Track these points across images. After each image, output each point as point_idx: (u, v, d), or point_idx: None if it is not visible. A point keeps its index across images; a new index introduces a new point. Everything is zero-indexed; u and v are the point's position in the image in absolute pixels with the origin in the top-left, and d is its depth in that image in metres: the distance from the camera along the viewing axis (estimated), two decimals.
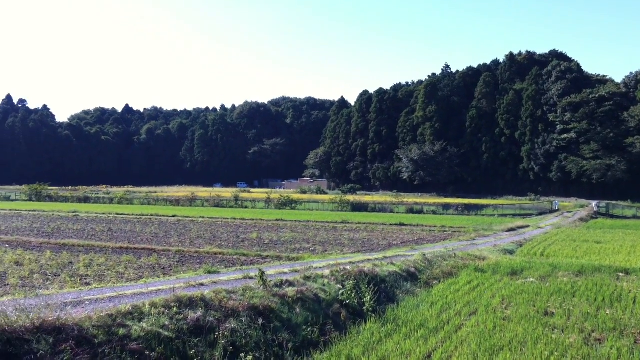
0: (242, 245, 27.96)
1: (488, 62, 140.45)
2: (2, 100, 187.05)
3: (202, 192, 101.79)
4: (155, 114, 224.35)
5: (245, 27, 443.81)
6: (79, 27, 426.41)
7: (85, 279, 17.25)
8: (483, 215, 60.68)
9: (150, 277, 17.47)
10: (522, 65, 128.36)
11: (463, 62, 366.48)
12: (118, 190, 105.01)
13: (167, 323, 10.04)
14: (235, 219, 47.09)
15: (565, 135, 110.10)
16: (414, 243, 30.81)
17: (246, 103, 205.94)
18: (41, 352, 8.35)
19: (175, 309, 10.68)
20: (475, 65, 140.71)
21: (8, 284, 15.90)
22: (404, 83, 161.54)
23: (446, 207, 68.16)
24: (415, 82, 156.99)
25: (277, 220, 46.15)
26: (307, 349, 11.06)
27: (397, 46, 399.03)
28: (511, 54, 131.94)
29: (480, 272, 20.25)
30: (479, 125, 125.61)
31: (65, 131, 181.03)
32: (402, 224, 43.75)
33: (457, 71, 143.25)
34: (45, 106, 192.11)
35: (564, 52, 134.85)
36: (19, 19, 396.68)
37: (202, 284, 13.69)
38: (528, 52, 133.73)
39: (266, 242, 29.68)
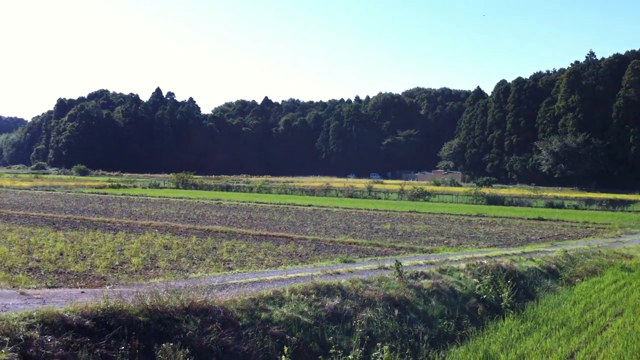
0: (375, 236, 28.14)
1: (637, 49, 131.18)
2: (152, 93, 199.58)
3: (336, 182, 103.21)
4: (293, 105, 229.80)
5: (381, 18, 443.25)
6: (223, 25, 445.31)
7: (228, 263, 18.08)
8: (630, 211, 56.97)
9: (288, 264, 18.06)
10: None
11: (609, 49, 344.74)
12: (257, 180, 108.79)
13: (306, 309, 10.38)
14: (368, 209, 47.39)
15: None
16: (554, 239, 29.61)
17: (380, 94, 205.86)
18: (190, 331, 8.89)
19: (313, 295, 11.02)
20: (622, 52, 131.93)
21: (159, 267, 17.01)
22: (544, 72, 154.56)
23: (589, 201, 64.67)
24: (557, 70, 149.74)
25: (410, 211, 45.96)
26: (443, 342, 11.04)
27: (536, 33, 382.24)
28: None
29: (627, 271, 19.16)
30: (627, 116, 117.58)
31: (209, 122, 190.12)
32: (541, 219, 42.10)
33: (603, 58, 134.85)
34: (191, 99, 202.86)
35: None
36: (168, 20, 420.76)
37: (338, 273, 14.00)
38: None
39: (400, 234, 29.67)
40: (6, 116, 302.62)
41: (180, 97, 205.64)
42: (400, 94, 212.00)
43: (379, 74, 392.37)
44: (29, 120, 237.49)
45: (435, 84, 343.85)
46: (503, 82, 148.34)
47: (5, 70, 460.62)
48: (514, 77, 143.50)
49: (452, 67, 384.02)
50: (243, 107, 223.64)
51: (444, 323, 11.82)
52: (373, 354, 9.04)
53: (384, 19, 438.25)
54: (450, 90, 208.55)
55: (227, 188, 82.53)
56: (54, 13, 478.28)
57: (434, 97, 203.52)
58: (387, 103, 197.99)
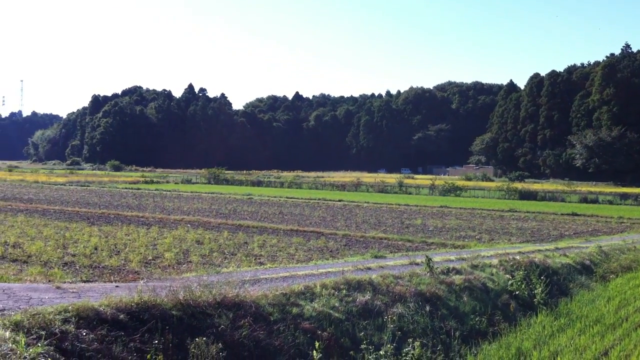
0: (406, 231, 28.04)
1: None
2: (185, 89, 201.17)
3: (366, 177, 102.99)
4: (323, 100, 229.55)
5: (412, 11, 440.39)
6: (255, 21, 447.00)
7: (259, 258, 18.19)
8: None
9: (319, 259, 18.10)
10: None
11: None
12: (288, 175, 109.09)
13: (337, 304, 10.39)
14: (399, 204, 47.23)
15: None
16: (588, 234, 29.19)
17: (411, 89, 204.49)
18: (222, 326, 8.96)
19: (344, 291, 11.02)
20: None
21: (191, 261, 17.18)
22: (578, 64, 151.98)
23: (624, 196, 63.48)
24: (592, 63, 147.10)
25: (441, 207, 45.68)
26: (474, 339, 10.96)
27: (570, 26, 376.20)
28: None
29: None
30: None
31: (241, 118, 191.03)
32: (574, 214, 41.49)
33: (639, 51, 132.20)
34: (222, 94, 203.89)
35: None
36: (201, 16, 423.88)
37: (369, 268, 13.97)
38: None
39: (431, 229, 29.52)
40: (42, 113, 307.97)
41: (212, 93, 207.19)
42: (431, 88, 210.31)
43: (410, 68, 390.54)
44: (64, 116, 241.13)
45: (467, 78, 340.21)
46: (536, 75, 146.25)
47: (42, 67, 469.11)
48: (548, 70, 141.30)
49: (484, 61, 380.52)
50: (274, 103, 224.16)
51: (476, 319, 11.74)
52: (404, 350, 9.02)
53: (415, 13, 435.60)
54: (482, 84, 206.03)
55: (258, 183, 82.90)
56: (89, 11, 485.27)
57: (466, 91, 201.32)
58: (418, 97, 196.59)
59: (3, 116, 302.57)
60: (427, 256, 13.66)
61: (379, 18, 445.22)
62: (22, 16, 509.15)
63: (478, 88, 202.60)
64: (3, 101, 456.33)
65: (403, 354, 8.94)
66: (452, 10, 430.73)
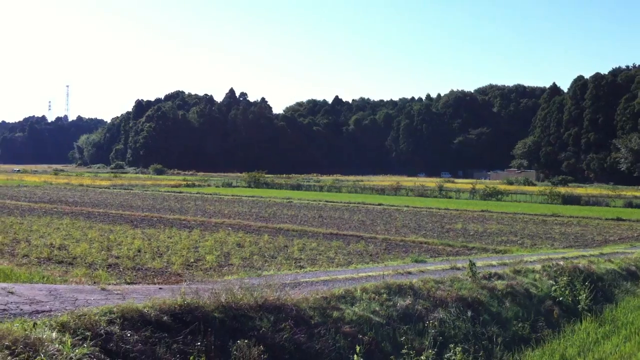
0: (446, 236, 27.80)
1: None
2: (226, 94, 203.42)
3: (406, 181, 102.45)
4: (363, 104, 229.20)
5: (453, 14, 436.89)
6: (295, 25, 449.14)
7: (299, 262, 18.24)
8: None
9: (359, 263, 18.06)
10: None
11: None
12: (327, 179, 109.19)
13: (377, 309, 10.36)
14: (439, 209, 46.85)
15: None
16: (634, 239, 28.53)
17: (451, 92, 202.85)
18: (263, 329, 9.00)
19: (385, 295, 10.98)
20: None
21: (232, 264, 17.32)
22: (623, 67, 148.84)
23: None
24: (637, 65, 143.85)
25: (482, 211, 45.16)
26: (517, 345, 10.81)
27: (615, 28, 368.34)
28: None
29: None
30: None
31: (281, 122, 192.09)
32: (619, 219, 40.55)
33: None
34: (263, 99, 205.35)
35: None
36: (242, 22, 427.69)
37: (409, 272, 13.91)
38: None
39: (471, 233, 29.22)
40: (87, 117, 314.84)
41: (252, 97, 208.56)
42: (472, 91, 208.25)
43: (451, 71, 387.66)
44: (109, 121, 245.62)
45: (509, 81, 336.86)
46: (580, 78, 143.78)
47: (87, 73, 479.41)
48: (592, 73, 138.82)
49: (526, 64, 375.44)
50: (314, 107, 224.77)
51: (519, 325, 11.58)
52: (446, 356, 8.95)
53: (455, 16, 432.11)
54: (524, 87, 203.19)
55: (298, 187, 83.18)
56: (133, 18, 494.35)
57: (507, 94, 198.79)
58: (459, 101, 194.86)
59: (49, 120, 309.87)
60: (470, 261, 13.53)
61: (419, 22, 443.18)
62: (68, 23, 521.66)
63: (520, 91, 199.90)
64: (49, 106, 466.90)
65: None
66: (493, 13, 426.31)
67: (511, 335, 11.18)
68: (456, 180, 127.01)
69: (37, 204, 40.78)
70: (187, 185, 79.69)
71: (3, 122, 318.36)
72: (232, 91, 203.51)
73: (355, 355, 8.23)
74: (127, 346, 7.65)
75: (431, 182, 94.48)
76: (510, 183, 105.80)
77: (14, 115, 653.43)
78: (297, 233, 26.94)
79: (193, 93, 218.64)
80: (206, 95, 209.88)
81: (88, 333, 7.42)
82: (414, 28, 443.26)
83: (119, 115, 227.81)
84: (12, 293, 9.34)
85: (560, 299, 13.50)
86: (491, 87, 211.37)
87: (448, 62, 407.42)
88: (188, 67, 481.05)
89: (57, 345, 6.61)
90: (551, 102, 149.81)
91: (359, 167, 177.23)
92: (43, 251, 18.32)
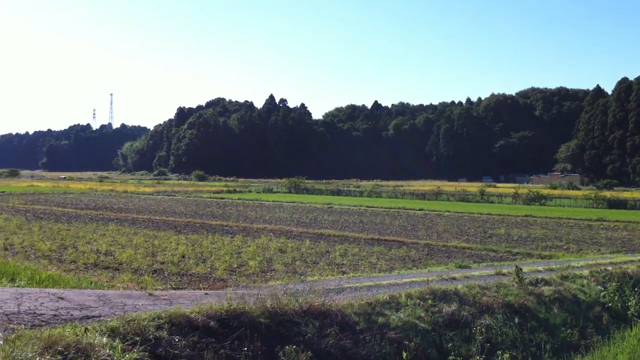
0: (489, 241, 27.46)
1: None
2: (266, 100, 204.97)
3: (447, 186, 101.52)
4: (402, 109, 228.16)
5: (492, 17, 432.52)
6: (333, 32, 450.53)
7: (342, 267, 18.22)
8: None
9: (401, 268, 17.98)
10: None
11: None
12: (367, 184, 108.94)
13: (422, 315, 10.29)
14: (481, 213, 46.32)
15: None
16: None
17: (492, 95, 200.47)
18: (309, 334, 9.01)
19: (430, 301, 10.90)
20: None
21: (275, 270, 17.40)
22: None
23: None
24: None
25: (525, 216, 44.46)
26: (566, 352, 10.62)
27: None
28: None
29: None
30: None
31: (320, 128, 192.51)
32: None
33: None
34: (302, 105, 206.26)
35: None
36: (281, 29, 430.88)
37: (454, 278, 13.79)
38: None
39: (515, 239, 28.80)
40: (130, 125, 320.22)
41: (292, 104, 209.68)
42: (513, 94, 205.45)
43: (491, 74, 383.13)
44: (151, 128, 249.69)
45: (551, 84, 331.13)
46: (625, 80, 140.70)
47: (130, 81, 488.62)
48: (637, 75, 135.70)
49: (569, 66, 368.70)
50: (353, 112, 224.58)
51: (567, 332, 11.37)
52: None
53: (495, 18, 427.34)
54: (567, 90, 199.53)
55: (338, 192, 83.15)
56: (174, 27, 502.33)
57: (550, 97, 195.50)
58: (500, 104, 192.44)
59: (94, 129, 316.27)
60: (516, 266, 13.35)
61: (458, 25, 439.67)
62: (111, 33, 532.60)
63: (562, 94, 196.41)
64: (94, 114, 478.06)
65: None
66: (534, 15, 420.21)
67: (560, 342, 10.99)
68: (498, 184, 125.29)
69: (83, 210, 41.64)
70: (229, 192, 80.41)
71: (49, 130, 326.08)
72: (271, 97, 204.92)
73: None
74: (176, 351, 7.75)
75: (472, 187, 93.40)
76: (554, 187, 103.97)
77: (60, 123, 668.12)
78: (339, 238, 26.92)
79: (234, 100, 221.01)
80: (246, 101, 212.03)
81: (137, 338, 7.54)
82: (453, 31, 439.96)
83: (161, 122, 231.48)
84: (62, 298, 9.55)
85: (609, 304, 13.22)
86: (533, 90, 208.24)
87: (488, 66, 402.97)
88: (228, 74, 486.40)
89: (107, 351, 6.73)
90: (595, 104, 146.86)
91: (398, 172, 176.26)
92: (90, 257, 18.68)
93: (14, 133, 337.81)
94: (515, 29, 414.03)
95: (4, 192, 67.70)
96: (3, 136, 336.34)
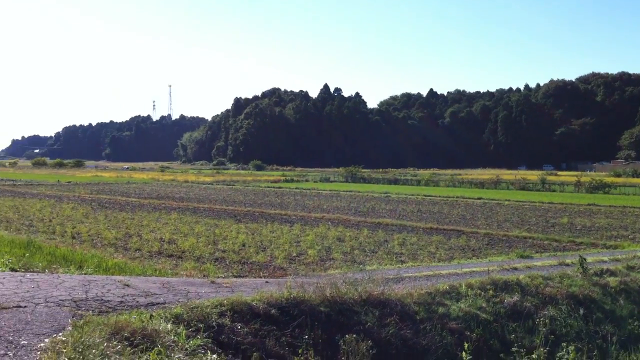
0: (552, 230, 26.85)
1: None
2: (320, 89, 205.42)
3: (506, 174, 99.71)
4: (458, 96, 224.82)
5: (546, 1, 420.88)
6: (387, 19, 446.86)
7: (400, 256, 18.13)
8: None
9: (461, 258, 17.78)
10: None
11: None
12: (424, 173, 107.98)
13: (484, 305, 10.17)
14: (542, 202, 45.30)
15: None
16: None
17: (552, 81, 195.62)
18: (369, 323, 9.03)
19: (491, 291, 10.77)
20: None
21: (333, 258, 17.44)
22: None
23: None
24: None
25: (588, 204, 43.27)
26: (633, 344, 10.34)
27: None
28: None
29: None
30: None
31: (375, 116, 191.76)
32: None
33: None
34: (357, 94, 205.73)
35: None
36: (335, 19, 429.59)
37: (515, 268, 13.58)
38: None
39: (578, 228, 28.07)
40: (189, 116, 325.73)
41: (347, 93, 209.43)
42: (573, 80, 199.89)
43: (550, 60, 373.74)
44: (210, 119, 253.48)
45: (613, 68, 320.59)
46: None
47: (188, 73, 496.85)
48: None
49: (631, 50, 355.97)
50: (408, 100, 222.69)
51: (634, 324, 11.05)
52: (558, 354, 8.66)
53: (554, 1, 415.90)
54: (629, 75, 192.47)
55: (395, 181, 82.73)
56: (230, 20, 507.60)
57: (612, 82, 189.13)
58: (560, 90, 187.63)
59: (154, 120, 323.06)
60: (580, 256, 13.05)
61: (514, 10, 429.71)
62: (170, 27, 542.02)
63: (625, 79, 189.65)
64: (154, 106, 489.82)
65: (557, 359, 8.58)
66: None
67: (627, 334, 10.70)
68: (559, 172, 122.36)
69: (146, 199, 42.62)
70: (286, 181, 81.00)
71: (112, 122, 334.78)
72: (326, 87, 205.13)
73: (463, 352, 8.10)
74: (238, 338, 7.89)
75: (532, 175, 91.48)
76: (618, 175, 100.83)
77: (121, 115, 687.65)
78: (397, 227, 26.77)
79: (289, 90, 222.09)
80: (301, 91, 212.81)
81: (201, 325, 7.71)
82: (510, 16, 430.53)
83: (218, 113, 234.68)
84: (127, 285, 9.83)
85: None
86: (594, 76, 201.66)
87: (546, 51, 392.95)
88: (284, 64, 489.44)
89: (172, 337, 6.88)
90: None
91: (455, 160, 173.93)
92: (154, 245, 19.13)
93: (77, 125, 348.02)
94: (575, 13, 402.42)
95: (69, 182, 69.97)
96: (68, 128, 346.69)
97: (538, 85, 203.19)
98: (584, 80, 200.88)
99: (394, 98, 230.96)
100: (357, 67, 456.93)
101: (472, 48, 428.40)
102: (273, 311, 8.76)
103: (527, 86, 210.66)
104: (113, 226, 24.81)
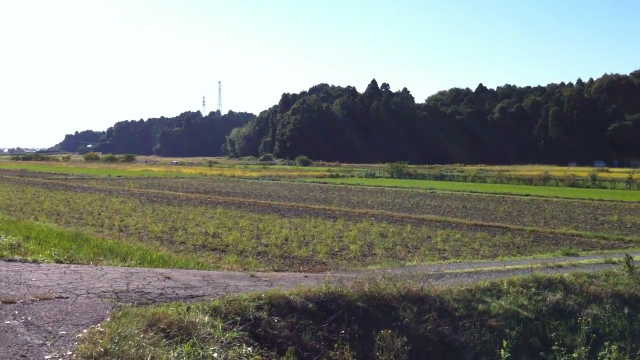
0: (600, 228, 26.24)
1: None
2: (368, 85, 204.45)
3: (555, 171, 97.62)
4: (508, 92, 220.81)
5: None
6: (433, 16, 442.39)
7: (443, 253, 17.99)
8: None
9: (505, 255, 17.53)
10: None
11: None
12: (471, 169, 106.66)
13: (525, 303, 10.03)
14: (592, 199, 44.27)
15: None
16: None
17: (605, 76, 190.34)
18: (406, 319, 8.99)
19: (533, 289, 10.60)
20: None
21: (375, 254, 17.42)
22: None
23: None
24: None
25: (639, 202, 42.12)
26: None
27: None
28: None
29: None
30: None
31: (423, 112, 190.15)
32: None
33: None
34: (405, 89, 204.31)
35: None
36: (381, 15, 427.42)
37: (560, 266, 13.34)
38: None
39: (628, 226, 27.36)
40: (237, 111, 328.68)
41: (394, 88, 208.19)
42: (628, 74, 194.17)
43: (604, 54, 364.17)
44: (257, 114, 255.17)
45: None
46: None
47: (237, 69, 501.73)
48: None
49: None
50: (456, 95, 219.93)
51: None
52: (600, 354, 8.47)
53: None
54: None
55: (441, 177, 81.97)
56: (278, 17, 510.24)
57: None
58: (613, 85, 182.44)
59: (204, 115, 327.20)
60: (626, 254, 12.73)
61: (567, 2, 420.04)
62: (219, 24, 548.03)
63: None
64: (203, 102, 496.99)
65: (598, 358, 8.39)
66: None
67: None
68: (611, 169, 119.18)
69: (193, 194, 43.23)
70: (331, 176, 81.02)
71: (162, 117, 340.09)
72: (374, 82, 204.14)
73: (502, 350, 7.99)
74: (275, 332, 7.95)
75: (583, 172, 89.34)
76: None
77: (171, 111, 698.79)
78: (441, 224, 26.55)
79: (336, 85, 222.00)
80: (349, 87, 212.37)
81: (238, 318, 7.78)
82: (562, 10, 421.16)
83: (266, 109, 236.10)
84: (168, 278, 10.01)
85: None
86: None
87: (600, 45, 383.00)
88: (331, 60, 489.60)
89: (208, 329, 6.96)
90: None
91: (504, 156, 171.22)
92: (198, 239, 19.40)
93: (129, 120, 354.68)
94: (628, 6, 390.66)
95: (120, 176, 71.44)
96: (120, 123, 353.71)
97: (591, 79, 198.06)
98: (639, 75, 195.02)
99: (442, 93, 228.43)
100: (405, 62, 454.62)
101: (523, 42, 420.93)
102: (310, 305, 8.80)
103: (579, 81, 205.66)
104: (160, 220, 25.23)
